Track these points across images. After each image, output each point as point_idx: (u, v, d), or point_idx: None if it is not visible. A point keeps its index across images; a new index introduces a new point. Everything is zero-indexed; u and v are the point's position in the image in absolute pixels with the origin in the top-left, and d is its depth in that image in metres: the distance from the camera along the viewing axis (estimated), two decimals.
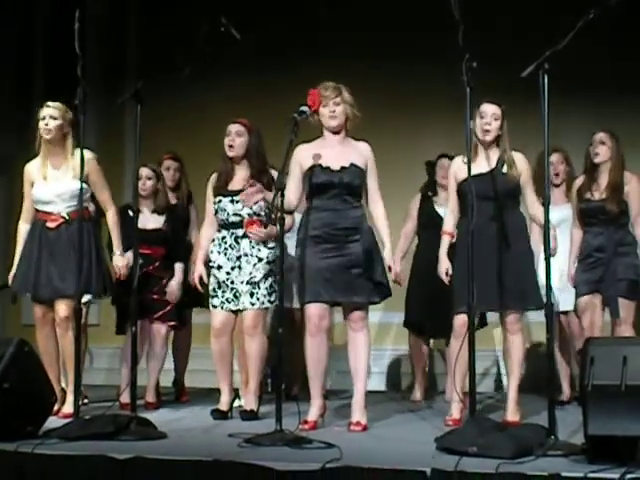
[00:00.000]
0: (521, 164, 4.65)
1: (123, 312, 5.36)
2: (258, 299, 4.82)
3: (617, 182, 5.17)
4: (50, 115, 4.90)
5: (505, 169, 4.60)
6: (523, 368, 4.64)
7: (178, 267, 5.51)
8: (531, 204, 4.67)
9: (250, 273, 4.83)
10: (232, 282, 4.85)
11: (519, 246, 4.54)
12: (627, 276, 5.11)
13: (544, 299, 4.40)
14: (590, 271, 5.19)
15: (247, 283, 4.82)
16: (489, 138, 4.62)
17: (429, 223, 5.76)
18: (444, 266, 4.71)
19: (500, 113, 4.62)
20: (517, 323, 4.57)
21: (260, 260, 4.84)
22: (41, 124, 4.91)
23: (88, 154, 4.84)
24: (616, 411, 3.18)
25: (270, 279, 4.84)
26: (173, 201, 5.90)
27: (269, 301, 4.83)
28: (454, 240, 4.73)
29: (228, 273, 4.86)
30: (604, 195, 5.18)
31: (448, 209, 4.84)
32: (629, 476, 2.94)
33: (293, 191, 4.49)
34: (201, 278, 4.92)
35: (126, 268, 5.00)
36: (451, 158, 5.42)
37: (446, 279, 4.71)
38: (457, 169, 4.70)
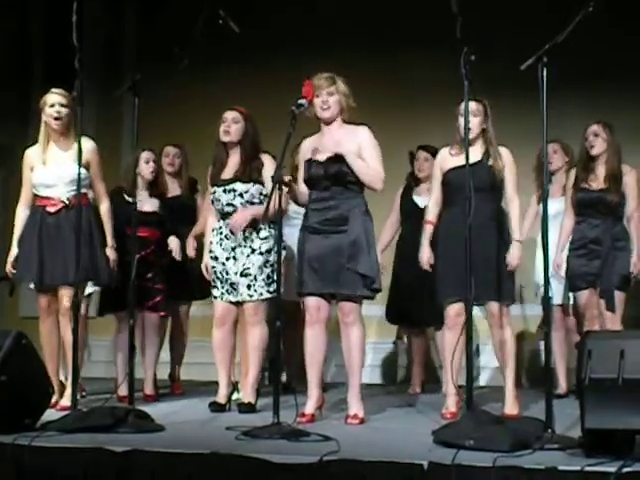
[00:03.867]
0: (505, 158, 4.66)
1: (107, 294, 5.34)
2: (256, 290, 4.82)
3: (616, 172, 5.17)
4: (60, 102, 4.90)
5: (490, 162, 4.61)
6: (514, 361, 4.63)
7: (172, 238, 5.54)
8: (511, 195, 4.65)
9: (244, 264, 4.83)
10: (227, 273, 4.86)
11: (497, 239, 4.49)
12: (622, 271, 5.11)
13: (514, 293, 4.57)
14: (586, 264, 5.19)
15: (242, 275, 4.83)
16: (472, 136, 4.61)
17: (409, 213, 5.79)
18: (426, 255, 4.71)
19: (481, 109, 4.63)
20: (500, 316, 4.54)
21: (253, 251, 4.84)
22: (51, 111, 4.90)
23: (91, 143, 4.92)
24: (613, 405, 3.18)
25: (267, 270, 4.83)
26: (177, 191, 5.91)
27: (268, 291, 4.82)
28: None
29: (223, 264, 4.87)
30: (604, 185, 5.18)
31: (431, 199, 4.83)
32: (626, 470, 2.94)
33: (303, 186, 4.53)
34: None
35: (114, 263, 4.99)
36: (429, 150, 5.43)
37: (427, 267, 4.71)
38: (442, 160, 4.76)
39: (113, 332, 5.57)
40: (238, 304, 4.89)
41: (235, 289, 4.85)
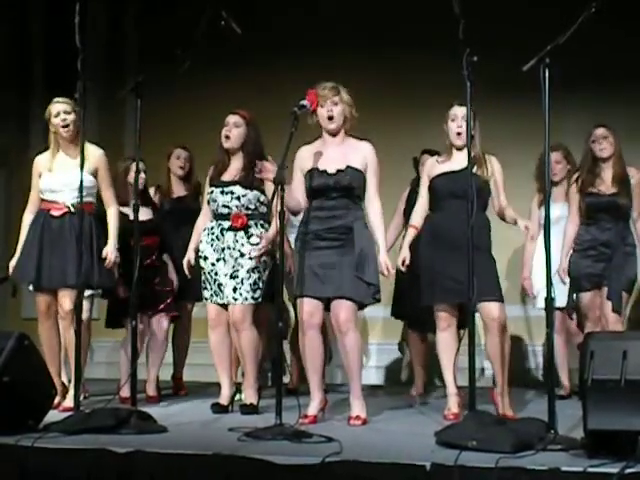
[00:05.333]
0: (494, 167, 4.68)
1: (115, 305, 5.37)
2: (241, 294, 4.80)
3: (624, 175, 5.17)
4: (64, 110, 4.95)
5: (475, 169, 4.60)
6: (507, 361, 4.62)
7: (166, 257, 5.59)
8: (502, 202, 4.67)
9: (233, 267, 4.82)
10: (216, 274, 4.85)
11: (482, 245, 4.40)
12: (629, 274, 5.12)
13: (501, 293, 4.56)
14: (592, 265, 5.19)
15: (230, 277, 4.82)
16: (462, 142, 4.62)
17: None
18: (402, 256, 4.73)
19: (471, 114, 4.61)
20: (498, 319, 4.53)
21: (242, 255, 4.82)
22: (57, 120, 4.96)
23: (99, 150, 5.01)
24: (616, 406, 3.18)
25: (254, 275, 4.81)
26: (183, 192, 5.91)
27: (253, 297, 4.80)
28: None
29: (213, 264, 4.87)
30: (614, 189, 5.17)
31: (417, 204, 4.86)
32: (628, 470, 2.94)
33: (300, 193, 4.53)
34: (192, 266, 4.96)
35: (113, 261, 4.96)
36: (433, 154, 5.45)
37: (402, 268, 4.73)
38: (430, 167, 4.81)
39: (114, 334, 5.57)
40: (226, 306, 4.88)
41: (222, 291, 4.84)
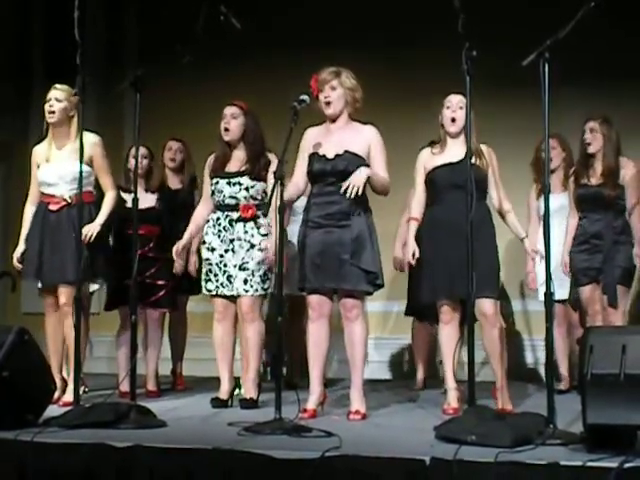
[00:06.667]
0: (489, 156, 4.66)
1: (115, 291, 5.35)
2: (252, 286, 4.82)
3: (612, 167, 5.17)
4: (55, 97, 4.94)
5: (474, 160, 4.59)
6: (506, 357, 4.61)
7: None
8: (502, 200, 4.67)
9: (242, 258, 4.83)
10: (225, 265, 4.85)
11: (483, 236, 4.40)
12: (623, 265, 5.12)
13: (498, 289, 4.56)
14: (588, 259, 5.19)
15: (240, 268, 4.83)
16: (456, 129, 4.62)
17: None
18: (411, 250, 4.70)
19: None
20: (494, 313, 4.52)
21: (252, 246, 4.84)
22: (46, 106, 4.95)
23: (94, 137, 4.95)
24: (615, 400, 3.18)
25: (264, 267, 4.83)
26: (177, 185, 5.90)
27: (263, 288, 4.83)
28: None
29: (221, 255, 4.87)
30: (600, 180, 5.19)
31: (415, 197, 4.83)
32: (627, 465, 2.94)
33: (302, 176, 4.52)
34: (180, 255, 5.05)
35: (91, 233, 4.82)
36: None
37: (413, 262, 4.71)
38: (426, 159, 4.75)
39: (115, 328, 5.57)
40: (234, 298, 4.89)
41: (231, 282, 4.84)
